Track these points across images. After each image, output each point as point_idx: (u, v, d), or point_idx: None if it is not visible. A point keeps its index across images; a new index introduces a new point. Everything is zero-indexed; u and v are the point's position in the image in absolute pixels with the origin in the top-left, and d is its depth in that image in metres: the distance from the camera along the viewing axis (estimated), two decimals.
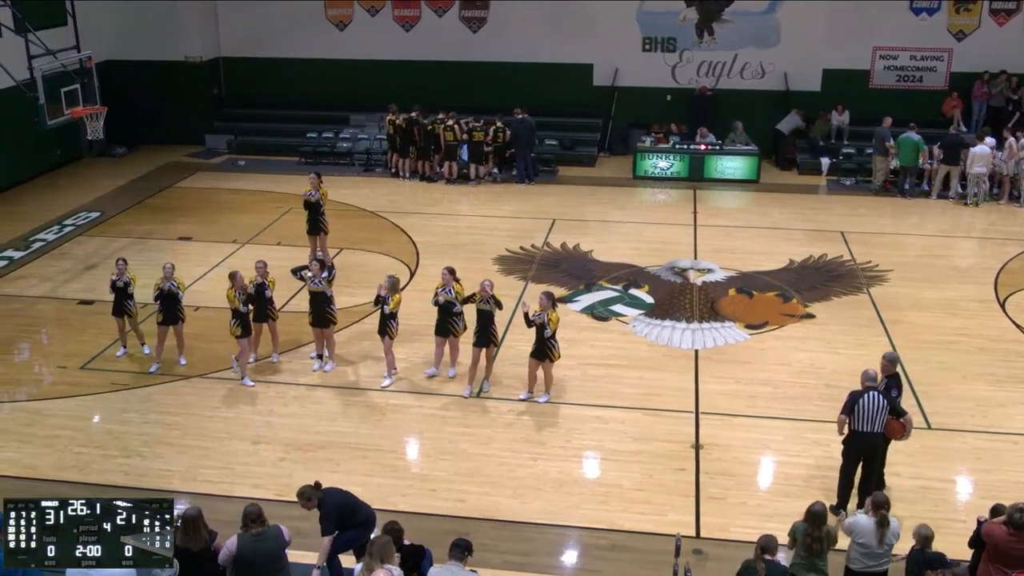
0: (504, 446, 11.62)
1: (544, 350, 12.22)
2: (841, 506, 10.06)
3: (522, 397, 12.55)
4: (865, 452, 9.92)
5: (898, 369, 10.45)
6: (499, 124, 22.26)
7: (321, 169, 23.46)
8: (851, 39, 23.39)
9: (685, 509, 10.37)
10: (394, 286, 12.74)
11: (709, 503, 10.46)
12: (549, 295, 12.32)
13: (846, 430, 9.89)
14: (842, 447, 10.06)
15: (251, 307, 12.96)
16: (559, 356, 12.40)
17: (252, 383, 13.03)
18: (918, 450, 11.15)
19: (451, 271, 12.88)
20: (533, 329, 12.23)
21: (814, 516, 8.12)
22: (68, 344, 14.38)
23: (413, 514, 9.92)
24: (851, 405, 9.79)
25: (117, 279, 13.31)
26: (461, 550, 7.73)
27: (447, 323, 12.84)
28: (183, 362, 13.55)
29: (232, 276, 12.90)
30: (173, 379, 13.27)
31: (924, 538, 8.12)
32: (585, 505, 10.49)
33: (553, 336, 12.16)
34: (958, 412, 12.27)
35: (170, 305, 13.17)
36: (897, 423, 9.78)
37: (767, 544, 7.92)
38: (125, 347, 13.87)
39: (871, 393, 9.78)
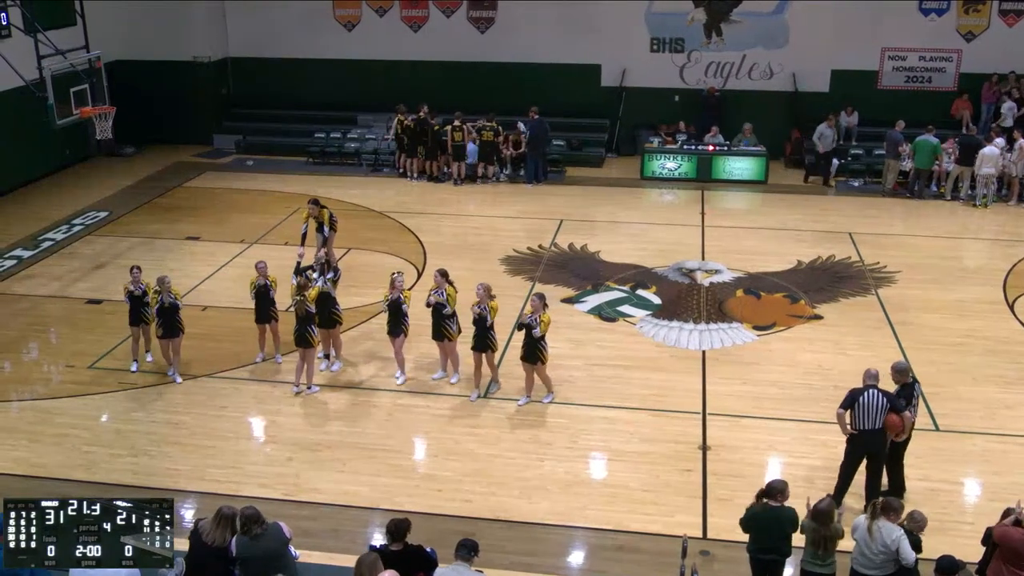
0: (511, 446, 11.61)
1: (535, 353, 12.17)
2: (836, 502, 10.05)
3: (521, 402, 12.52)
4: (868, 450, 10.00)
5: (910, 378, 10.37)
6: (492, 123, 22.23)
7: (329, 169, 23.66)
8: (860, 40, 23.32)
9: (692, 510, 10.37)
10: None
11: (716, 504, 10.45)
12: (541, 296, 12.31)
13: (849, 428, 9.95)
14: (846, 446, 10.11)
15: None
16: (548, 358, 12.34)
17: (317, 388, 12.97)
18: (926, 452, 11.13)
19: (443, 273, 12.81)
20: (524, 331, 12.15)
21: (820, 514, 8.19)
22: (77, 343, 14.41)
23: (420, 514, 9.88)
24: (850, 402, 9.91)
25: (134, 288, 13.20)
26: (467, 550, 7.70)
27: (440, 326, 12.75)
28: (178, 380, 13.16)
29: (301, 286, 12.80)
30: (183, 379, 13.27)
31: (911, 519, 8.20)
32: (592, 506, 10.48)
33: (543, 338, 12.13)
34: (967, 414, 12.22)
35: (170, 317, 12.89)
36: (895, 417, 9.86)
37: (777, 486, 8.37)
38: (138, 361, 13.56)
39: (871, 391, 9.86)
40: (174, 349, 13.11)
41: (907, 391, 10.22)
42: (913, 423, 10.37)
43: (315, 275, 13.39)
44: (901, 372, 10.35)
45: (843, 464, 10.19)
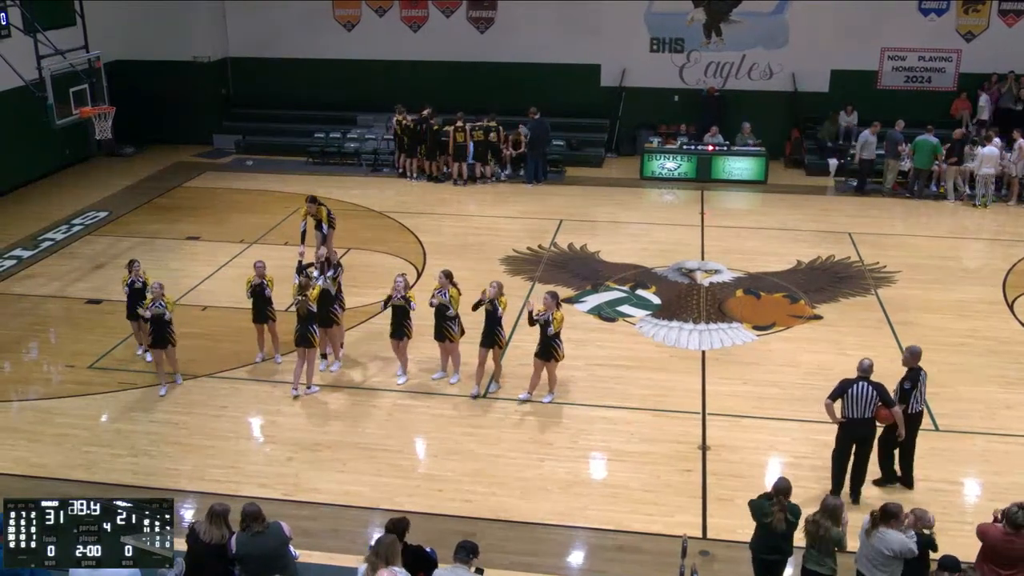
0: (511, 446, 11.61)
1: (549, 350, 12.21)
2: (836, 490, 10.28)
3: (522, 398, 12.53)
4: (857, 438, 10.23)
5: (918, 365, 10.51)
6: (493, 124, 22.21)
7: (329, 169, 23.65)
8: (859, 40, 23.32)
9: (692, 510, 10.37)
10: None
11: (716, 504, 10.45)
12: (554, 295, 12.31)
13: (839, 417, 10.18)
14: (837, 433, 10.33)
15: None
16: (563, 356, 12.40)
17: (317, 388, 12.91)
18: (927, 452, 11.12)
19: (448, 275, 12.82)
20: (537, 329, 12.22)
21: (828, 511, 8.27)
22: (76, 343, 14.41)
23: (420, 514, 9.89)
24: (839, 392, 10.15)
25: (134, 280, 13.22)
26: (466, 552, 7.64)
27: (442, 327, 12.76)
28: (166, 390, 12.85)
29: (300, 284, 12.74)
30: (184, 378, 13.25)
31: (917, 518, 8.25)
32: (592, 506, 10.48)
33: (557, 336, 12.15)
34: (967, 414, 12.23)
35: (159, 328, 12.49)
36: (886, 412, 10.08)
37: (782, 486, 8.37)
38: (144, 346, 13.59)
39: (861, 383, 10.09)
40: (168, 359, 12.83)
41: (912, 375, 10.41)
42: (921, 412, 10.57)
43: (315, 273, 13.37)
44: (915, 356, 10.51)
45: (834, 452, 10.43)
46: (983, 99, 22.68)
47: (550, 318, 12.01)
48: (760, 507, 8.54)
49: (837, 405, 10.17)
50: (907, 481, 10.67)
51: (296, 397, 12.72)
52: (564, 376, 12.92)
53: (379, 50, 25.06)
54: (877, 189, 21.67)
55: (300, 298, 12.57)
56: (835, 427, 10.29)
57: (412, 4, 24.94)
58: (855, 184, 21.78)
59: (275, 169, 23.64)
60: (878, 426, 10.29)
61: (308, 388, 12.84)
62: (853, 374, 10.22)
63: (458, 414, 12.37)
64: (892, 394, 10.29)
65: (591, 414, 12.30)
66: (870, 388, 10.05)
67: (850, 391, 10.08)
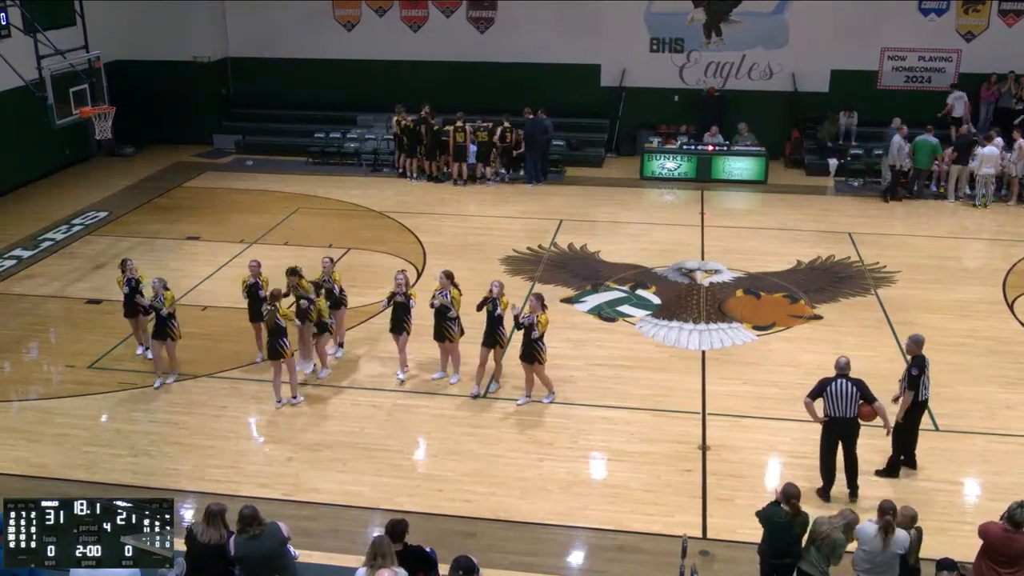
0: (511, 446, 11.61)
1: (532, 353, 12.18)
2: (826, 489, 10.37)
3: (521, 402, 12.52)
4: (840, 435, 10.27)
5: (922, 352, 10.64)
6: (507, 124, 22.22)
7: (329, 169, 23.64)
8: (859, 40, 23.32)
9: (692, 510, 10.36)
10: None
11: (716, 504, 10.44)
12: (539, 297, 12.30)
13: (822, 416, 10.24)
14: (821, 432, 10.39)
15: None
16: (546, 358, 12.35)
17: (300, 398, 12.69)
18: (927, 452, 11.13)
19: (449, 275, 12.80)
20: (523, 331, 12.18)
21: (841, 513, 8.32)
22: (76, 343, 14.41)
23: (420, 514, 9.90)
24: (819, 391, 10.21)
25: (132, 277, 13.24)
26: (456, 568, 7.35)
27: (442, 328, 12.75)
28: (161, 383, 12.96)
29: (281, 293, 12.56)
30: (180, 378, 13.25)
31: (909, 518, 8.26)
32: (592, 506, 10.47)
33: (541, 338, 12.14)
34: (967, 414, 12.22)
35: (158, 321, 12.65)
36: (867, 407, 10.12)
37: (791, 491, 8.36)
38: (144, 345, 13.67)
39: (840, 380, 10.15)
40: (168, 352, 12.90)
41: (919, 361, 10.54)
42: (927, 399, 10.70)
43: (305, 304, 13.00)
44: (918, 343, 10.64)
45: (821, 452, 10.46)
46: (952, 96, 22.70)
47: (535, 321, 11.99)
48: (771, 516, 8.48)
49: (819, 404, 10.19)
50: (910, 462, 10.86)
51: (280, 407, 12.57)
52: (564, 376, 12.92)
53: (379, 50, 25.07)
54: (877, 189, 21.65)
55: (269, 308, 12.12)
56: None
57: (412, 4, 24.95)
58: (894, 190, 20.97)
59: (275, 169, 23.63)
60: (862, 424, 10.29)
61: (293, 398, 12.64)
62: (853, 374, 10.23)
63: (458, 414, 12.37)
64: (900, 382, 10.48)
65: (591, 414, 12.30)
66: (850, 385, 10.08)
67: (830, 388, 10.12)
